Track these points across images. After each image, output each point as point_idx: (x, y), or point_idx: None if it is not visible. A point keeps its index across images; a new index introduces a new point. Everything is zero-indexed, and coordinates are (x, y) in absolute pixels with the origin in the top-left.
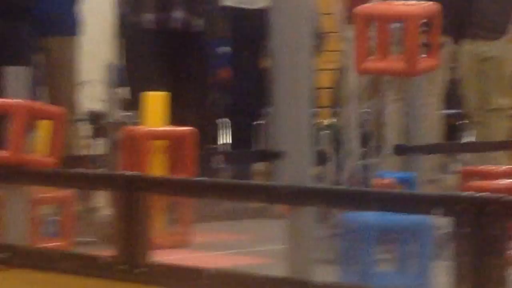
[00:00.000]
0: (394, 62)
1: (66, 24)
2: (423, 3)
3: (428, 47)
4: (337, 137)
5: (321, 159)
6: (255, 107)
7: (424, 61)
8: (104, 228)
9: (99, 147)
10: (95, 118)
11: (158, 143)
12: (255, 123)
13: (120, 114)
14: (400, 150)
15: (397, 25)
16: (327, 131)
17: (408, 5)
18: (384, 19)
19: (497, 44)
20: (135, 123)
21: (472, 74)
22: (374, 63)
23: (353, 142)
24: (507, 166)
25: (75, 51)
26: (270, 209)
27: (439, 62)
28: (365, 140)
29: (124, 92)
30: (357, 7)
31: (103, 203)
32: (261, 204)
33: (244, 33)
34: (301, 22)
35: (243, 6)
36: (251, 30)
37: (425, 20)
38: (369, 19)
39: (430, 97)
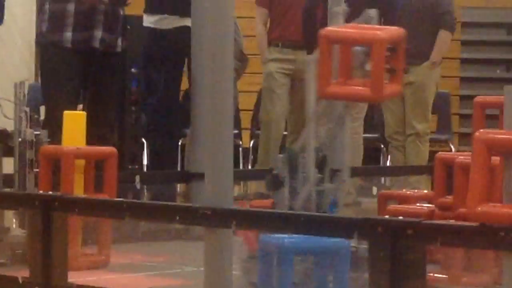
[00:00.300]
0: (359, 87)
1: None
2: (388, 28)
3: (391, 72)
4: (292, 161)
5: (276, 183)
6: (173, 127)
7: (388, 86)
8: (16, 249)
9: (7, 166)
10: (3, 137)
11: (78, 162)
12: (179, 143)
13: (30, 133)
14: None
15: (359, 48)
16: (282, 155)
17: (373, 29)
18: (349, 43)
19: (417, 70)
20: (47, 142)
21: (393, 99)
22: (337, 88)
23: (310, 167)
24: (425, 191)
25: None
26: (189, 231)
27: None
28: (321, 165)
29: (34, 111)
30: (322, 30)
31: (13, 223)
32: (180, 226)
33: (160, 53)
34: (223, 43)
35: (163, 27)
36: (169, 49)
37: (389, 46)
38: (334, 42)
39: (353, 121)
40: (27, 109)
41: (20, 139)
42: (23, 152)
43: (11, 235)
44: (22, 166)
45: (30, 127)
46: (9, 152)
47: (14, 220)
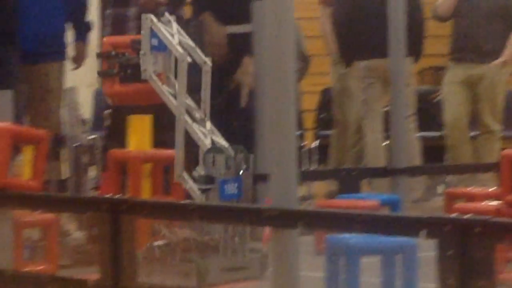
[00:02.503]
0: None
1: (59, 49)
2: None
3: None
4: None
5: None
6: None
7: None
8: (77, 252)
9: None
10: (60, 142)
11: (146, 166)
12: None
13: (85, 137)
14: (385, 172)
15: None
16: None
17: None
18: None
19: (488, 68)
20: (101, 147)
21: (461, 96)
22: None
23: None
24: (493, 188)
25: (63, 75)
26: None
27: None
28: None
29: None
30: None
31: (74, 227)
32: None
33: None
34: (284, 45)
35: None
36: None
37: None
38: None
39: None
40: (82, 114)
41: (75, 144)
42: (78, 156)
43: (72, 238)
44: (77, 170)
45: (85, 132)
46: (56, 157)
47: (73, 224)
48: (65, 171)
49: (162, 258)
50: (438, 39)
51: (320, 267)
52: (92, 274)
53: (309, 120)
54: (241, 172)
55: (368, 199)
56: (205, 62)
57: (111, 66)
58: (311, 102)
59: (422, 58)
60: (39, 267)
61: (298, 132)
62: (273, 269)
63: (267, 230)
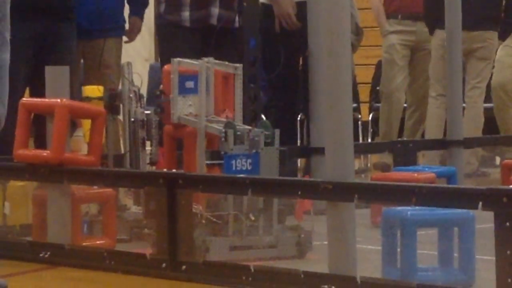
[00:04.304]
0: None
1: (116, 25)
2: None
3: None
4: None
5: None
6: (293, 102)
7: None
8: (133, 226)
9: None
10: (116, 96)
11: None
12: (298, 118)
13: (141, 112)
14: (442, 144)
15: None
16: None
17: None
18: None
19: None
20: (156, 122)
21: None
22: None
23: None
24: None
25: (120, 51)
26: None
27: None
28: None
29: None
30: None
31: (129, 202)
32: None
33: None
34: (339, 17)
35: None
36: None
37: None
38: None
39: (473, 90)
40: (137, 89)
41: (132, 119)
42: (134, 131)
43: (128, 212)
44: (134, 145)
45: (141, 107)
46: (116, 111)
47: (129, 199)
48: (122, 146)
49: None
50: None
51: (376, 240)
52: (149, 248)
53: (364, 93)
54: (260, 148)
55: (424, 171)
56: (235, 68)
57: None
58: (366, 75)
59: None
60: (97, 242)
61: (354, 105)
62: (329, 242)
63: (298, 204)
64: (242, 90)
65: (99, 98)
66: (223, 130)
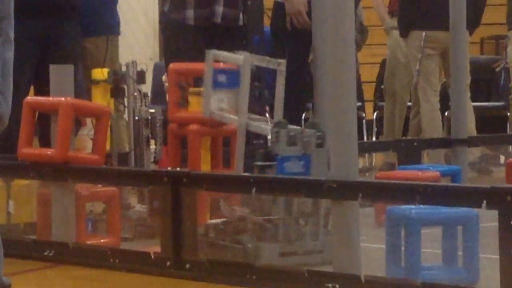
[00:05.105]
0: None
1: (110, 23)
2: None
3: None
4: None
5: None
6: (299, 101)
7: None
8: (138, 224)
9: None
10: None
11: (205, 139)
12: (303, 117)
13: (145, 111)
14: (447, 142)
15: None
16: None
17: None
18: None
19: None
20: (161, 120)
21: None
22: None
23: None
24: None
25: (117, 49)
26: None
27: None
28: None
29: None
30: None
31: (134, 200)
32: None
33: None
34: (343, 16)
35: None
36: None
37: None
38: None
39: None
40: (141, 88)
41: (137, 118)
42: (138, 129)
43: (133, 211)
44: (138, 144)
45: (145, 105)
46: (121, 95)
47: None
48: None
49: (215, 238)
50: (498, 8)
51: (380, 239)
52: (154, 246)
53: (369, 92)
54: (311, 150)
55: (428, 170)
56: (279, 64)
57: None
58: (371, 73)
59: (483, 27)
60: (101, 240)
61: (358, 104)
62: (334, 241)
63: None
64: (284, 86)
65: (105, 81)
66: (275, 130)
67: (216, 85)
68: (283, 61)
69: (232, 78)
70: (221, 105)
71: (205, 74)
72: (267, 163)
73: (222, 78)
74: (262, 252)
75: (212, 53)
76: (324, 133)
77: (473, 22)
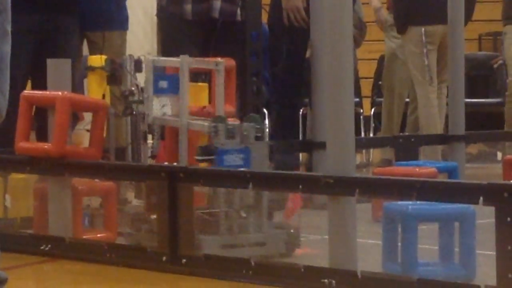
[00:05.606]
0: None
1: (117, 18)
2: None
3: None
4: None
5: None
6: (296, 96)
7: None
8: (135, 220)
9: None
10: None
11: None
12: (301, 112)
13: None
14: (444, 139)
15: None
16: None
17: None
18: None
19: None
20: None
21: None
22: None
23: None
24: None
25: (124, 45)
26: (313, 199)
27: None
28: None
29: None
30: None
31: (131, 195)
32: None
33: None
34: (341, 12)
35: None
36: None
37: None
38: None
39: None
40: (138, 82)
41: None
42: (136, 124)
43: (130, 206)
44: (135, 138)
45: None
46: (118, 81)
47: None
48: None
49: None
50: (496, 4)
51: (377, 234)
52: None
53: (367, 88)
54: (250, 142)
55: (425, 166)
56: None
57: None
58: (369, 69)
59: (480, 24)
60: (98, 235)
61: (356, 100)
62: (330, 237)
63: (289, 204)
64: (223, 86)
65: (102, 68)
66: (213, 124)
67: (157, 91)
68: (221, 61)
69: (174, 82)
70: (165, 110)
71: (146, 80)
72: (207, 157)
73: (163, 84)
74: (203, 244)
75: (151, 60)
76: (263, 126)
77: (467, 13)
